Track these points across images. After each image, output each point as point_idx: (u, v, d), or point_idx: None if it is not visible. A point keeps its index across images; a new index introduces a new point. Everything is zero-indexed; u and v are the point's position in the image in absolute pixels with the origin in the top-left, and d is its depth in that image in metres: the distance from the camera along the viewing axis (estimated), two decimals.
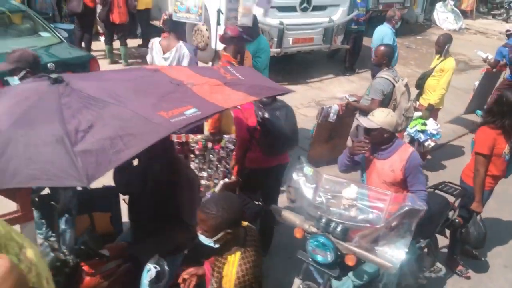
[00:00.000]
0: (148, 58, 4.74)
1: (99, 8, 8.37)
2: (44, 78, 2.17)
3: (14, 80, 3.30)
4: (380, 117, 3.11)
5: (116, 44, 8.52)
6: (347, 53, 9.30)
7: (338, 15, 8.62)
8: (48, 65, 5.33)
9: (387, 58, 4.66)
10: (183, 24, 6.14)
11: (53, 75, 2.11)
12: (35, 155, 1.86)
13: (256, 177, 3.60)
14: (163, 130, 2.04)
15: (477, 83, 6.97)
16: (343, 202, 3.09)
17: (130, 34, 9.23)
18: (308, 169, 3.17)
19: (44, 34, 6.11)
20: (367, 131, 3.17)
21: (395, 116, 3.29)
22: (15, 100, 2.10)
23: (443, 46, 5.37)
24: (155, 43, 4.60)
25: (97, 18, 8.64)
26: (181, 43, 4.51)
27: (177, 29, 4.72)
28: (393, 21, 6.53)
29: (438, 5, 13.49)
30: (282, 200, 4.13)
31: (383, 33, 6.44)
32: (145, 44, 9.52)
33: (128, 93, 2.21)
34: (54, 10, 9.05)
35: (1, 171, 1.82)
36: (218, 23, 6.67)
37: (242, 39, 4.54)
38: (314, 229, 2.89)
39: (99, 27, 9.46)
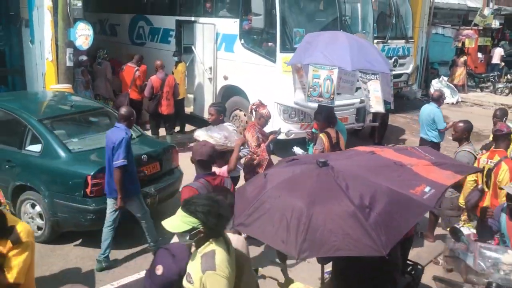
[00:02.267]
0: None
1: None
2: (309, 161, 2.51)
3: None
4: None
5: (161, 132, 8.93)
6: (375, 130, 9.94)
7: None
8: (142, 157, 5.62)
9: (467, 133, 5.18)
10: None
11: (321, 160, 2.44)
12: (335, 228, 2.16)
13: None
14: (425, 207, 2.36)
15: None
16: (503, 267, 3.35)
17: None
18: (465, 239, 3.46)
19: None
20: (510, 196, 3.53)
21: None
22: (293, 180, 2.44)
23: (501, 118, 5.97)
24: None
25: (144, 110, 9.10)
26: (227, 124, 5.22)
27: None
28: (441, 101, 7.21)
29: (434, 81, 14.66)
30: None
31: (432, 112, 7.05)
32: (182, 131, 10.00)
33: (373, 172, 2.55)
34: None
35: (310, 241, 2.11)
36: None
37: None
38: None
39: (144, 117, 9.86)
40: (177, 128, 9.99)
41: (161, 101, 8.68)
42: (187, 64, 10.07)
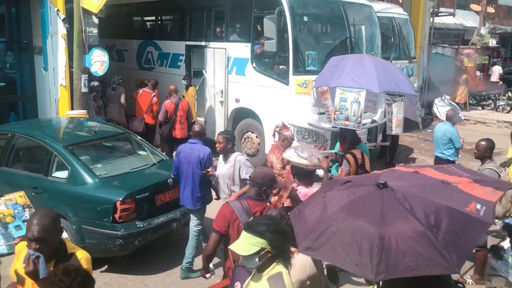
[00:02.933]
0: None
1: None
2: (366, 183, 2.56)
3: None
4: None
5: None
6: (386, 150, 10.05)
7: (378, 115, 9.48)
8: (168, 181, 5.66)
9: (490, 151, 5.27)
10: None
11: (380, 181, 2.49)
12: (408, 249, 2.22)
13: None
14: (484, 224, 2.42)
15: None
16: None
17: None
18: (507, 256, 3.50)
19: (142, 152, 6.47)
20: None
21: None
22: (357, 202, 2.50)
23: None
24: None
25: (158, 133, 9.15)
26: (237, 153, 5.24)
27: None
28: (454, 119, 7.34)
29: (437, 100, 14.87)
30: None
31: (448, 131, 7.16)
32: None
33: (428, 192, 2.61)
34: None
35: (386, 262, 2.16)
36: None
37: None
38: None
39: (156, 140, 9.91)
40: None
41: (175, 125, 8.75)
42: (197, 88, 10.19)
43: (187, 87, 9.95)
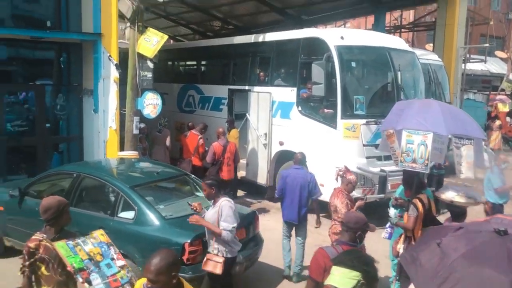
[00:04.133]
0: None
1: None
2: (482, 229, 2.56)
3: None
4: None
5: None
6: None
7: None
8: None
9: None
10: None
11: (500, 228, 2.49)
12: None
13: None
14: None
15: None
16: None
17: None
18: None
19: (200, 194, 6.49)
20: None
21: None
22: (479, 250, 2.50)
23: None
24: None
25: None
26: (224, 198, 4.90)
27: None
28: (490, 164, 7.34)
29: None
30: None
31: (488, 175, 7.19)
32: (234, 196, 10.05)
33: None
34: None
35: None
36: None
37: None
38: None
39: None
40: None
41: (222, 166, 8.82)
42: (239, 130, 10.34)
43: (229, 130, 10.09)
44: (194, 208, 5.01)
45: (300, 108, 9.09)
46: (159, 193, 6.22)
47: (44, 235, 3.54)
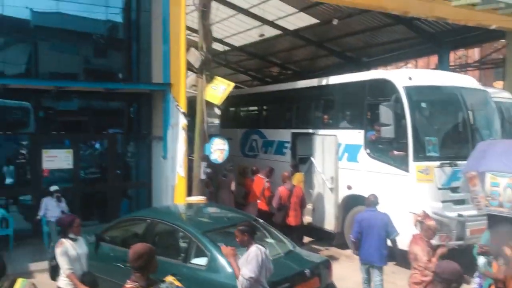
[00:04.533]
0: None
1: None
2: None
3: None
4: None
5: None
6: None
7: None
8: (305, 271, 5.45)
9: None
10: None
11: None
12: None
13: None
14: None
15: None
16: None
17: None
18: None
19: (271, 240, 6.36)
20: None
21: None
22: None
23: None
24: None
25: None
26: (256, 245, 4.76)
27: None
28: None
29: None
30: None
31: None
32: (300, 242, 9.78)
33: None
34: None
35: None
36: None
37: None
38: None
39: None
40: None
41: (289, 211, 8.67)
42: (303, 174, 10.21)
43: (294, 174, 9.98)
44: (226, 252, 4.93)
45: (368, 151, 8.85)
46: (230, 239, 6.13)
47: (137, 283, 3.53)
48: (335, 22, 12.24)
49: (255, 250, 4.71)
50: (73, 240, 5.20)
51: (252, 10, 14.19)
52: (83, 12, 11.33)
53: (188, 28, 10.18)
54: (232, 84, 8.62)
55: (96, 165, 11.51)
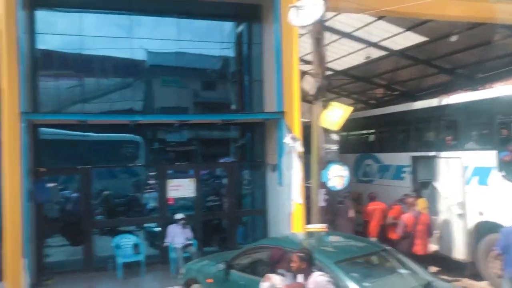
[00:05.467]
0: None
1: None
2: None
3: None
4: None
5: None
6: None
7: None
8: None
9: None
10: None
11: None
12: None
13: None
14: None
15: None
16: None
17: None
18: None
19: (404, 271, 6.00)
20: None
21: None
22: None
23: None
24: None
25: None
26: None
27: None
28: None
29: None
30: None
31: None
32: None
33: None
34: None
35: None
36: None
37: None
38: None
39: None
40: None
41: (415, 240, 8.16)
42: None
43: (416, 200, 9.42)
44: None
45: (503, 173, 8.10)
46: (362, 269, 5.92)
47: None
48: (454, 38, 11.55)
49: (323, 279, 4.61)
50: (282, 275, 5.28)
51: (355, 33, 14.03)
52: (197, 49, 12.03)
53: None
54: (350, 109, 8.49)
55: (214, 193, 11.95)
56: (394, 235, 8.48)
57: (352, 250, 6.12)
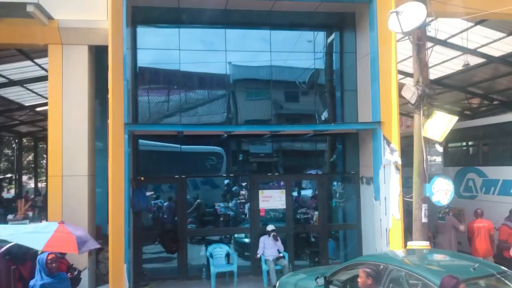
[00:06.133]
0: None
1: None
2: None
3: None
4: None
5: None
6: None
7: None
8: None
9: None
10: None
11: None
12: None
13: None
14: None
15: None
16: None
17: None
18: None
19: None
20: None
21: None
22: None
23: None
24: None
25: None
26: None
27: None
28: None
29: None
30: None
31: None
32: None
33: None
34: None
35: None
36: None
37: None
38: None
39: None
40: None
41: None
42: None
43: None
44: None
45: None
46: None
47: None
48: None
49: None
50: None
51: (450, 40, 13.22)
52: (286, 60, 11.98)
53: None
54: (455, 117, 7.91)
55: (304, 205, 11.75)
56: (508, 253, 7.72)
57: (468, 271, 5.56)
